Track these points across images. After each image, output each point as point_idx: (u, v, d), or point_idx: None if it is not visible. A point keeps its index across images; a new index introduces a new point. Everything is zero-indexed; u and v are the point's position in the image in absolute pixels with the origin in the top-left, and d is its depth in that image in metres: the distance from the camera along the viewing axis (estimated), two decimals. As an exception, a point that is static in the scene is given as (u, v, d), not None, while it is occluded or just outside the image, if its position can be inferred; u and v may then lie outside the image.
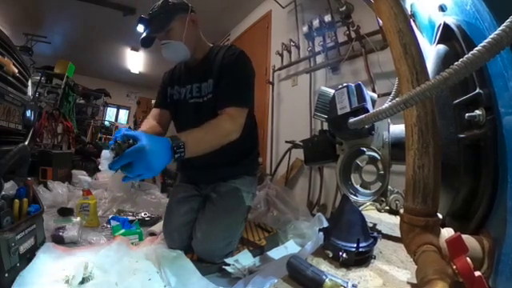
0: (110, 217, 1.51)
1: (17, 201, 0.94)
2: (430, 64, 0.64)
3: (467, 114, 0.48)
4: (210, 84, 1.13)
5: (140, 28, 1.11)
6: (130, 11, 3.40)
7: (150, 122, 1.22)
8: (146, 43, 1.10)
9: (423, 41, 0.74)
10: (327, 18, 1.94)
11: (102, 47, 4.92)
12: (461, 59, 0.33)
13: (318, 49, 2.12)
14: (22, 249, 0.85)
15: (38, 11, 3.72)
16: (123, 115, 8.22)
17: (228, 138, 0.95)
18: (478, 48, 0.31)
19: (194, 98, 1.19)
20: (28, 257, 0.86)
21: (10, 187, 1.00)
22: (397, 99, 0.40)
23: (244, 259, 1.04)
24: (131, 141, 0.68)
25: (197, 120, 1.10)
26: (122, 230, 1.26)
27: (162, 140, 0.74)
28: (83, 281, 0.81)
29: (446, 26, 0.59)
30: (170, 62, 1.29)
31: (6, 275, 0.76)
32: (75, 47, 4.80)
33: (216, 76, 1.11)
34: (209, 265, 1.05)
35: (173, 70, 1.34)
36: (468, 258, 0.38)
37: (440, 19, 0.62)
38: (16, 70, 1.19)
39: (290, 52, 2.48)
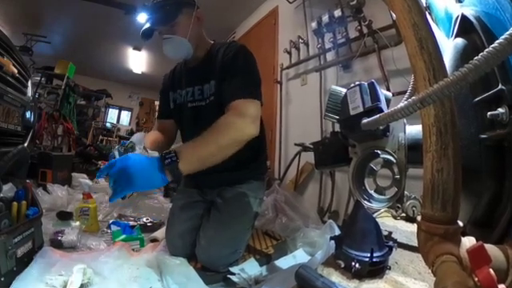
0: (111, 221, 1.53)
1: (15, 203, 0.96)
2: (448, 59, 0.63)
3: (489, 113, 0.47)
4: (212, 85, 1.13)
5: (142, 16, 1.11)
6: (132, 9, 3.47)
7: (153, 134, 1.28)
8: (146, 35, 1.10)
9: (440, 34, 0.73)
10: (337, 13, 1.94)
11: (103, 47, 5.02)
12: (481, 53, 0.32)
13: (328, 45, 2.12)
14: (20, 252, 0.86)
15: (38, 11, 3.83)
16: (125, 117, 8.34)
17: (241, 135, 0.90)
18: (500, 41, 0.31)
19: (196, 101, 1.18)
20: (25, 261, 0.88)
21: (8, 189, 1.02)
22: (413, 98, 0.40)
23: (250, 268, 1.04)
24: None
25: (199, 125, 1.11)
26: (123, 236, 1.27)
27: (147, 159, 0.80)
28: (81, 287, 0.82)
29: (463, 18, 0.58)
30: (173, 62, 1.31)
31: (3, 279, 0.77)
32: (76, 47, 4.91)
33: (218, 76, 1.11)
34: (213, 273, 1.06)
35: (173, 71, 1.34)
36: (491, 270, 0.37)
37: (457, 11, 0.61)
38: (15, 71, 1.22)
39: (298, 49, 2.48)
